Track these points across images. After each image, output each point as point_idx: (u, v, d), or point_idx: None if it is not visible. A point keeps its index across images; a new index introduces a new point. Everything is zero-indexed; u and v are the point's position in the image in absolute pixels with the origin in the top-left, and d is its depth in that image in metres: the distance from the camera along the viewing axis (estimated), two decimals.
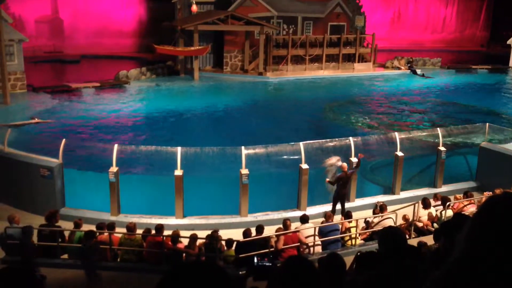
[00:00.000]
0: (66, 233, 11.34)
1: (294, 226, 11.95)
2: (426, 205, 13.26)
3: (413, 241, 11.07)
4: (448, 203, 12.93)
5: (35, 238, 11.14)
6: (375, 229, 12.61)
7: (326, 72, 37.20)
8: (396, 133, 15.91)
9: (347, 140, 15.19)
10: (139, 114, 25.53)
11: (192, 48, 33.00)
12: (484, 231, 1.38)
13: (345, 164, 13.80)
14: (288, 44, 36.40)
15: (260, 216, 13.81)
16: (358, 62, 39.16)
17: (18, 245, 10.72)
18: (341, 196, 13.74)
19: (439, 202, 13.68)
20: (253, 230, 11.32)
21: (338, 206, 13.99)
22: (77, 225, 11.29)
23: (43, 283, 2.01)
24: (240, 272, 9.66)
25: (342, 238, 12.19)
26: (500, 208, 1.40)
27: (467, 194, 13.80)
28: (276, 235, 11.27)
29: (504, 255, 1.32)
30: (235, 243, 10.96)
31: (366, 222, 13.16)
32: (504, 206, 1.40)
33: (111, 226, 11.25)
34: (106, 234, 11.05)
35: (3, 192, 14.41)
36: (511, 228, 1.35)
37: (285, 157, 14.78)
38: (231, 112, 26.36)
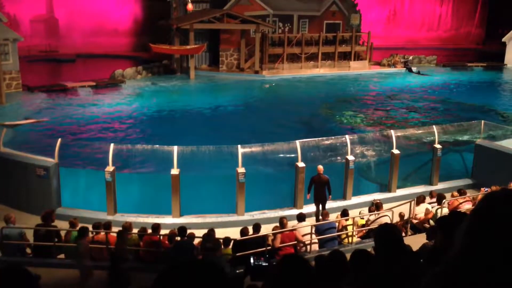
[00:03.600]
0: (62, 233, 11.32)
1: (291, 224, 11.95)
2: (420, 203, 13.29)
3: (409, 239, 11.11)
4: (443, 201, 12.96)
5: (31, 238, 11.12)
6: (371, 226, 12.64)
7: (322, 70, 37.23)
8: (392, 131, 15.94)
9: (343, 138, 15.21)
10: (135, 113, 25.46)
11: (188, 47, 32.95)
12: (483, 227, 1.38)
13: (320, 166, 13.70)
14: (284, 42, 36.40)
15: (257, 215, 13.81)
16: (354, 60, 39.20)
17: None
18: (317, 198, 13.68)
19: (435, 200, 13.70)
20: (250, 229, 11.32)
21: (337, 204, 14.01)
22: (73, 225, 11.26)
23: (38, 283, 1.99)
24: (238, 271, 9.66)
25: (339, 236, 12.21)
26: (499, 205, 1.40)
27: (460, 192, 13.82)
28: (273, 234, 11.28)
29: (503, 250, 1.32)
30: (232, 241, 10.95)
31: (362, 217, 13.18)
32: (503, 203, 1.40)
33: (107, 226, 11.22)
34: (102, 233, 11.03)
35: None
36: (508, 224, 1.35)
37: (281, 155, 14.78)
38: (227, 111, 26.34)
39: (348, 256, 4.61)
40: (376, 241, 3.84)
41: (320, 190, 13.60)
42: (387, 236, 3.72)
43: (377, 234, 3.88)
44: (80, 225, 11.11)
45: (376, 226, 12.46)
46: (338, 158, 15.54)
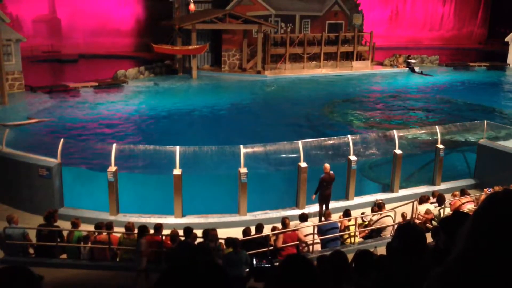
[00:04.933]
0: (65, 233, 11.33)
1: (293, 224, 11.95)
2: (423, 202, 13.27)
3: None
4: (446, 201, 12.94)
5: (33, 238, 11.13)
6: (374, 227, 12.63)
7: (324, 71, 37.20)
8: (395, 131, 15.91)
9: (346, 138, 15.19)
10: (138, 114, 25.49)
11: (190, 47, 32.96)
12: (486, 227, 1.38)
13: (327, 165, 13.66)
14: (286, 42, 36.39)
15: (259, 215, 13.80)
16: (356, 60, 39.16)
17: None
18: (325, 197, 13.65)
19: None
20: (253, 229, 11.32)
21: (339, 204, 13.96)
22: (75, 225, 11.27)
23: (41, 283, 1.99)
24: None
25: (341, 236, 12.20)
26: (501, 205, 1.40)
27: (463, 191, 13.81)
28: (275, 234, 11.27)
29: (505, 251, 1.32)
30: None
31: (363, 222, 13.16)
32: (505, 203, 1.40)
33: (109, 226, 11.24)
34: (105, 234, 11.04)
35: (1, 192, 14.39)
36: (510, 224, 1.35)
37: (283, 155, 14.77)
38: (229, 111, 26.35)
39: (350, 256, 4.61)
40: (398, 239, 3.70)
41: (328, 188, 13.59)
42: (413, 236, 3.60)
43: (402, 232, 3.74)
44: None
45: (379, 226, 12.47)
46: (341, 158, 15.52)
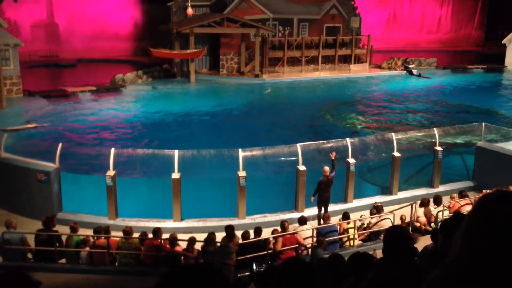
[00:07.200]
0: (64, 238, 11.31)
1: (292, 227, 11.94)
2: (424, 205, 13.26)
3: None
4: (444, 203, 12.95)
5: (32, 243, 11.11)
6: (373, 229, 12.62)
7: (322, 74, 37.27)
8: (393, 134, 15.92)
9: (344, 141, 15.19)
10: (136, 118, 25.47)
11: (188, 51, 33.01)
12: (480, 228, 1.38)
13: (326, 168, 13.64)
14: (284, 46, 36.46)
15: (258, 218, 13.78)
16: (354, 63, 39.24)
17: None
18: (324, 200, 13.65)
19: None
20: (251, 232, 11.31)
21: (338, 207, 13.94)
22: (74, 230, 11.25)
23: None
24: (239, 275, 9.66)
25: (341, 239, 12.20)
26: (495, 205, 1.41)
27: (462, 193, 13.81)
28: (275, 237, 11.26)
29: (499, 251, 1.32)
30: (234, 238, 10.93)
31: (361, 225, 13.15)
32: (497, 203, 1.41)
33: (106, 230, 11.21)
34: (103, 238, 11.02)
35: (0, 197, 14.35)
36: (504, 224, 1.36)
37: (282, 158, 14.76)
38: (227, 115, 26.34)
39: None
40: (385, 243, 3.78)
41: (326, 191, 13.56)
42: (397, 238, 3.66)
43: (387, 236, 3.82)
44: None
45: (378, 229, 12.47)
46: (339, 161, 15.51)
